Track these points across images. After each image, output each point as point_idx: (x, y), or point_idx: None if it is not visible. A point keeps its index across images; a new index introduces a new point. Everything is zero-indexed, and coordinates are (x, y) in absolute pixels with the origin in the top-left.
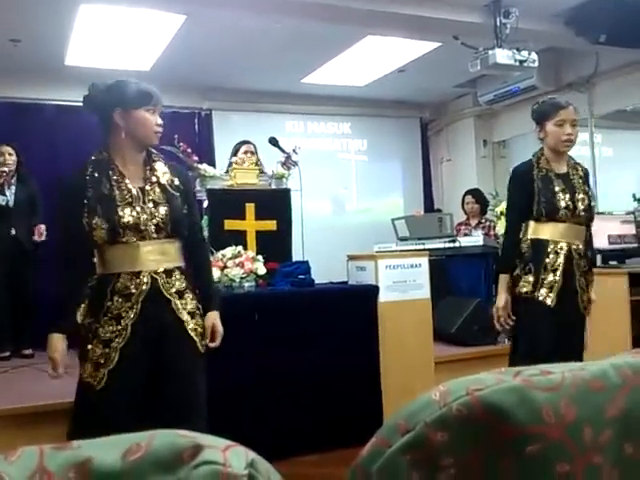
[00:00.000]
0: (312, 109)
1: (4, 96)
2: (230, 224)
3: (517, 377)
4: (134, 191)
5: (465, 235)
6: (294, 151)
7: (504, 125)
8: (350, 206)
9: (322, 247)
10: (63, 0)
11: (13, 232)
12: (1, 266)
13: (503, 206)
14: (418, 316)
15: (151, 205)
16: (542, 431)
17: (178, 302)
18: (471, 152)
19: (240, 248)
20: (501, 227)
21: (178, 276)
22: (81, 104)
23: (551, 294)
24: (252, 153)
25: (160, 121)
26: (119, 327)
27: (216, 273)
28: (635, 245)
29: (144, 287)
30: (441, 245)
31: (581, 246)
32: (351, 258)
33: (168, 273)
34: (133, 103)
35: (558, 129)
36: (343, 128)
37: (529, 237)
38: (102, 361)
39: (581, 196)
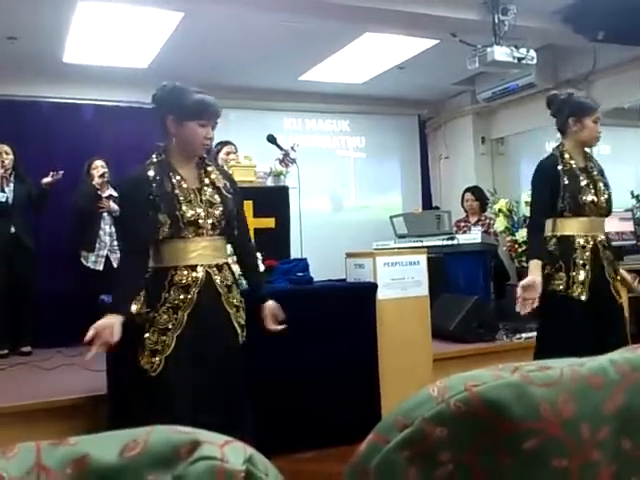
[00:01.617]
0: (310, 106)
1: (1, 94)
2: None
3: (515, 373)
4: (192, 191)
5: (464, 232)
6: (292, 148)
7: (502, 122)
8: (348, 203)
9: (320, 244)
10: None
11: (12, 230)
12: (1, 263)
13: (502, 203)
14: (416, 313)
15: (208, 204)
16: (540, 427)
17: (227, 295)
18: (469, 149)
19: None
20: (500, 224)
21: (227, 271)
22: (79, 101)
23: (584, 290)
24: (234, 153)
25: (211, 134)
26: (175, 316)
27: None
28: (633, 242)
29: (199, 280)
30: (439, 242)
31: (604, 237)
32: (349, 255)
33: (219, 268)
34: (185, 114)
35: (595, 126)
36: (341, 125)
37: (556, 234)
38: (159, 348)
39: (602, 188)
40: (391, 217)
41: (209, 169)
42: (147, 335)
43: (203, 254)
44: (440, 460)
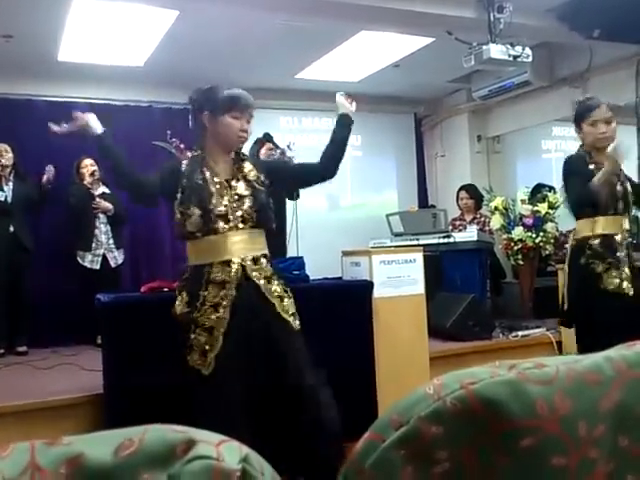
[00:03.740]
0: (306, 105)
1: None
2: None
3: (512, 370)
4: (223, 185)
5: (460, 231)
6: (288, 147)
7: (498, 120)
8: (344, 202)
9: (316, 243)
10: None
11: (11, 229)
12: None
13: (498, 201)
14: (413, 311)
15: (237, 198)
16: (536, 424)
17: (267, 286)
18: (465, 147)
19: None
20: (495, 222)
21: (265, 263)
22: (74, 100)
23: (629, 285)
24: (275, 149)
25: (246, 127)
26: (218, 314)
27: None
28: (630, 240)
29: (235, 274)
30: (435, 240)
31: (627, 234)
32: (345, 254)
33: (255, 260)
34: (220, 108)
35: (593, 129)
36: None
37: (599, 233)
38: (208, 347)
39: (622, 188)
40: (387, 215)
41: (244, 164)
42: (193, 335)
43: (237, 248)
44: (436, 458)
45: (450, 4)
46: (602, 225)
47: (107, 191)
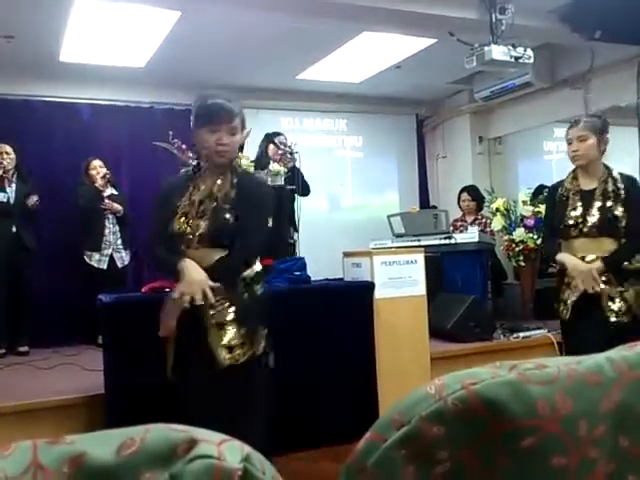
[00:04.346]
0: (308, 105)
1: None
2: None
3: (513, 371)
4: (195, 203)
5: (461, 232)
6: (290, 149)
7: (500, 122)
8: (346, 203)
9: (318, 244)
10: None
11: (14, 229)
12: (1, 263)
13: (499, 203)
14: (414, 312)
15: (199, 217)
16: (537, 424)
17: (208, 312)
18: (467, 149)
19: None
20: (497, 224)
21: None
22: (76, 100)
23: (566, 308)
24: (284, 145)
25: (224, 139)
26: (172, 337)
27: None
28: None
29: None
30: (437, 241)
31: (598, 257)
32: (347, 255)
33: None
34: (196, 122)
35: (569, 147)
36: (339, 125)
37: (557, 256)
38: (168, 360)
39: (595, 211)
40: (388, 216)
41: (224, 180)
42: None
43: None
44: (438, 458)
45: (452, 5)
46: (562, 247)
47: (115, 192)
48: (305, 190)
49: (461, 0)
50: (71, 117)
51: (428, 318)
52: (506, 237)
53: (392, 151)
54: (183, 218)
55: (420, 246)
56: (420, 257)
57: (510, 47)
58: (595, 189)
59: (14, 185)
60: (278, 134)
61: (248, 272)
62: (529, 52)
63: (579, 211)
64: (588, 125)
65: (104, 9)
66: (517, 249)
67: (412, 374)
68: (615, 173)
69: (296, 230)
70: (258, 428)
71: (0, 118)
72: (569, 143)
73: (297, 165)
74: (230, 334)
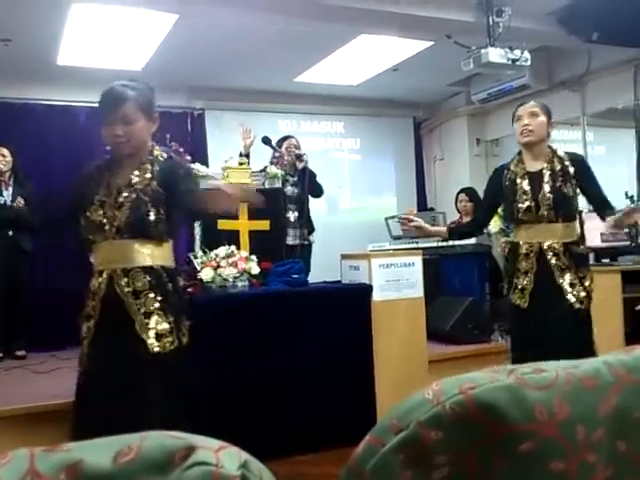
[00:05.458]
0: (305, 108)
1: None
2: (223, 224)
3: (510, 375)
4: (112, 193)
5: None
6: (288, 149)
7: (497, 124)
8: (344, 205)
9: (315, 246)
10: None
11: (10, 233)
12: None
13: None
14: (412, 315)
15: (116, 207)
16: (535, 429)
17: (133, 302)
18: (464, 151)
19: (233, 248)
20: (494, 225)
21: (141, 275)
22: (73, 104)
23: (523, 297)
24: (295, 147)
25: (117, 131)
26: (88, 326)
27: (209, 273)
28: (627, 243)
29: (100, 286)
30: (434, 244)
31: (557, 243)
32: (344, 257)
33: (126, 272)
34: (100, 118)
35: (518, 123)
36: (336, 127)
37: (509, 241)
38: (81, 361)
39: (547, 192)
40: (386, 218)
41: (141, 170)
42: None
43: (108, 259)
44: (436, 463)
45: (449, 8)
46: (513, 233)
47: None
48: (317, 191)
49: (458, 3)
50: (68, 120)
51: (426, 320)
52: (503, 239)
53: (390, 153)
54: (100, 209)
55: (418, 248)
56: (418, 259)
57: (507, 49)
58: (542, 170)
59: (11, 188)
60: (289, 137)
61: (170, 263)
62: (526, 54)
63: (529, 195)
64: (540, 104)
65: (101, 12)
66: None
67: (410, 376)
68: (560, 152)
69: (313, 230)
70: (182, 421)
71: None
72: (518, 119)
73: (308, 166)
74: (158, 322)
